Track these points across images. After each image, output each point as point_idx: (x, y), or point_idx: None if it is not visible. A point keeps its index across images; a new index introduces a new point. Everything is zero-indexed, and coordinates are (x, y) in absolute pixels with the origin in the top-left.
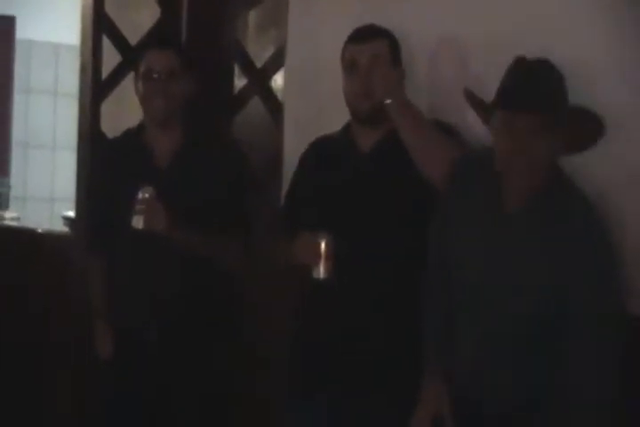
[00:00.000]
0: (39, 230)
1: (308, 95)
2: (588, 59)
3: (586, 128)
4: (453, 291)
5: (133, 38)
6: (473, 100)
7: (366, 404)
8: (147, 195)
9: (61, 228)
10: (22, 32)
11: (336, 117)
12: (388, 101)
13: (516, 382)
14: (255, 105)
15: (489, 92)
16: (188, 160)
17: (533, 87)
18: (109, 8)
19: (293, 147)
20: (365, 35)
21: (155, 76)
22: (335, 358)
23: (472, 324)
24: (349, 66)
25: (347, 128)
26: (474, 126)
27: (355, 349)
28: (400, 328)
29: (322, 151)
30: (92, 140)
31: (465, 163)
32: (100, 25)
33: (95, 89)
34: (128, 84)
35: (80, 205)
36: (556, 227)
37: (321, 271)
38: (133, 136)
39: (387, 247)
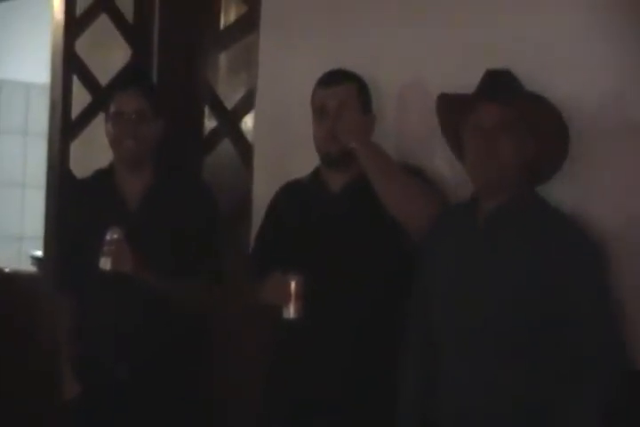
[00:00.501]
0: (6, 270)
1: (277, 138)
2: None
3: (547, 121)
4: (434, 328)
5: (104, 78)
6: (444, 109)
7: None
8: (115, 236)
9: (29, 267)
10: None
11: (306, 160)
12: (355, 145)
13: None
14: (225, 147)
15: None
16: (158, 202)
17: (494, 84)
18: (80, 48)
19: (263, 189)
20: (334, 79)
21: (124, 117)
22: (307, 395)
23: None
24: (318, 110)
25: (316, 172)
26: (442, 170)
27: (326, 386)
28: (371, 367)
29: (292, 194)
30: (60, 180)
31: (443, 215)
32: (70, 65)
33: (65, 128)
34: (98, 125)
35: (48, 244)
36: (532, 233)
37: (291, 311)
38: (103, 176)
39: (358, 287)
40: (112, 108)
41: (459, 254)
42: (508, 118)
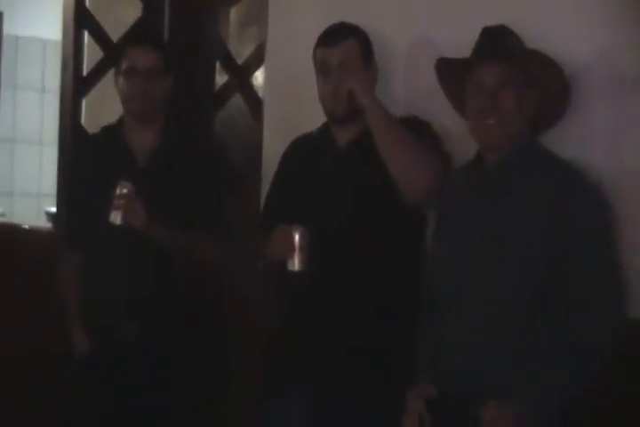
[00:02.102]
0: (25, 226)
1: (287, 93)
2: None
3: (549, 79)
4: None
5: (115, 35)
6: (442, 71)
7: (339, 405)
8: (125, 190)
9: (46, 224)
10: (9, 28)
11: (316, 115)
12: (363, 102)
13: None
14: (236, 102)
15: None
16: (168, 157)
17: (490, 41)
18: (91, 4)
19: (273, 144)
20: (334, 37)
21: (137, 73)
22: (311, 356)
23: (457, 307)
24: (321, 69)
25: (324, 127)
26: (448, 125)
27: (331, 346)
28: (375, 319)
29: (301, 149)
30: (73, 136)
31: (450, 174)
32: (81, 21)
33: (76, 84)
34: (109, 81)
35: (61, 200)
36: (537, 184)
37: (295, 263)
38: (112, 132)
39: (361, 240)
40: (124, 65)
41: (465, 210)
42: (508, 75)
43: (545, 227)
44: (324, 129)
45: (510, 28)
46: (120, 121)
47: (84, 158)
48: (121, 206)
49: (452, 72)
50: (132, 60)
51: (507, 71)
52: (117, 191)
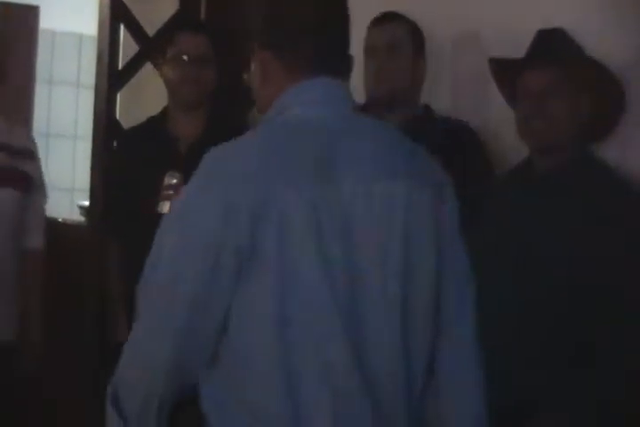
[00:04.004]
0: (59, 219)
1: None
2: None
3: (604, 86)
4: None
5: (151, 29)
6: (496, 71)
7: None
8: (174, 180)
9: (79, 217)
10: (46, 22)
11: None
12: None
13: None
14: None
15: None
16: (212, 146)
17: (544, 45)
18: None
19: None
20: (385, 17)
21: (188, 59)
22: None
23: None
24: (369, 50)
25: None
26: (495, 117)
27: None
28: None
29: None
30: (107, 130)
31: (501, 176)
32: (117, 15)
33: (111, 78)
34: (144, 75)
35: (95, 193)
36: (586, 194)
37: None
38: (156, 123)
39: None
40: (173, 51)
41: (513, 214)
42: (558, 80)
43: (591, 235)
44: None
45: (566, 32)
46: (164, 112)
47: (128, 149)
48: (170, 197)
49: (504, 71)
50: (184, 47)
51: (557, 76)
52: (166, 181)
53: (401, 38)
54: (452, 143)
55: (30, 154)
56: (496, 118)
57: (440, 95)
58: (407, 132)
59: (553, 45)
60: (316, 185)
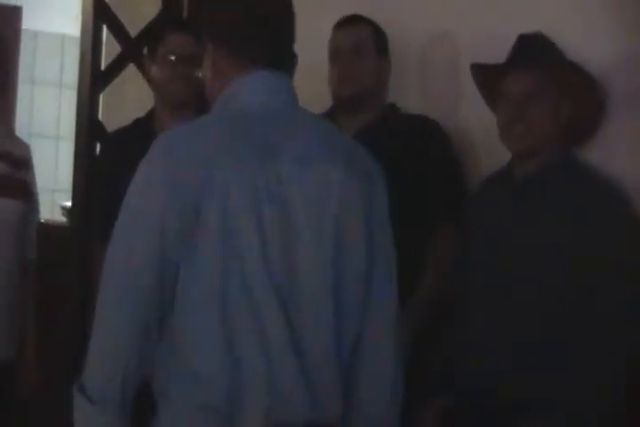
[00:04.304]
0: (41, 220)
1: (311, 87)
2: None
3: (585, 90)
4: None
5: (134, 30)
6: (477, 76)
7: None
8: None
9: (61, 218)
10: (28, 22)
11: None
12: None
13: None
14: None
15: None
16: None
17: (525, 49)
18: None
19: None
20: (347, 21)
21: (178, 59)
22: None
23: (487, 308)
24: (333, 53)
25: (329, 115)
26: (464, 122)
27: None
28: None
29: None
30: (89, 130)
31: (483, 182)
32: (100, 15)
33: (94, 79)
34: (127, 76)
35: (77, 194)
36: (569, 193)
37: None
38: (143, 124)
39: None
40: (162, 50)
41: (495, 218)
42: (538, 85)
43: (574, 237)
44: (332, 119)
45: (547, 37)
46: (150, 113)
47: (114, 151)
48: None
49: (485, 76)
50: (173, 46)
51: (538, 80)
52: None
53: (365, 40)
54: (414, 132)
55: (28, 163)
56: (466, 119)
57: (409, 95)
58: (375, 134)
59: (534, 50)
60: (258, 167)
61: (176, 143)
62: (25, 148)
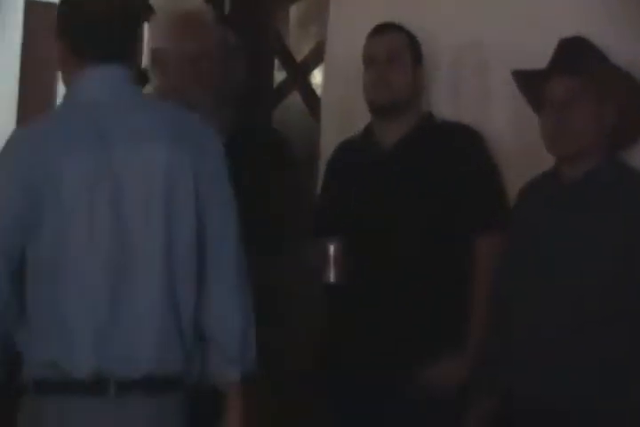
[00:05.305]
0: None
1: (345, 91)
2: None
3: (629, 94)
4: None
5: None
6: (520, 82)
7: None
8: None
9: None
10: None
11: None
12: None
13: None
14: (294, 99)
15: (512, 96)
16: (234, 152)
17: (567, 54)
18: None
19: (330, 142)
20: (383, 29)
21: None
22: (354, 366)
23: (528, 315)
24: (368, 60)
25: (368, 127)
26: (497, 129)
27: (377, 352)
28: (419, 331)
29: (345, 153)
30: None
31: (528, 186)
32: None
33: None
34: None
35: None
36: (616, 197)
37: (330, 276)
38: None
39: (410, 248)
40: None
41: (542, 223)
42: (581, 89)
43: (623, 240)
44: (368, 130)
45: (588, 40)
46: None
47: None
48: None
49: (528, 82)
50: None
51: (580, 85)
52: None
53: (400, 49)
54: (454, 141)
55: None
56: (497, 125)
57: (440, 102)
58: (414, 145)
59: (576, 54)
60: (90, 153)
61: (20, 138)
62: None
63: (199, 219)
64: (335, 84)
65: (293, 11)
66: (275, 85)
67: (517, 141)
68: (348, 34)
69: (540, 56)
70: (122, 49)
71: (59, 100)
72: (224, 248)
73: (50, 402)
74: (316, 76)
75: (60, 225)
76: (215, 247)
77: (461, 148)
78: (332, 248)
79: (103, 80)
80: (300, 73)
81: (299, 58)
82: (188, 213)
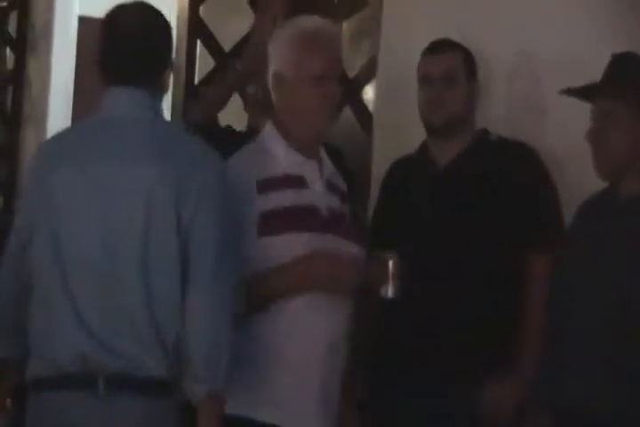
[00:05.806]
0: None
1: (398, 107)
2: None
3: None
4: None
5: (228, 45)
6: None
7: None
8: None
9: None
10: None
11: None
12: None
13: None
14: (346, 115)
15: (565, 108)
16: None
17: (615, 74)
18: (205, 14)
19: (382, 158)
20: (439, 47)
21: None
22: (409, 378)
23: (587, 338)
24: (423, 79)
25: (423, 146)
26: (552, 140)
27: (427, 366)
28: (474, 346)
29: (400, 171)
30: None
31: (584, 204)
32: (195, 30)
33: (188, 92)
34: None
35: None
36: None
37: (389, 291)
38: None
39: (463, 265)
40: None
41: (599, 242)
42: (621, 109)
43: None
44: (423, 149)
45: (634, 54)
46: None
47: None
48: None
49: (580, 97)
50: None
51: (625, 101)
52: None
53: (455, 68)
54: (509, 160)
55: None
56: (551, 142)
57: (494, 119)
58: (469, 164)
59: (627, 70)
60: (71, 168)
61: (37, 154)
62: None
63: (181, 237)
64: (387, 100)
65: (345, 26)
66: None
67: (571, 157)
68: (400, 49)
69: (594, 69)
70: (140, 73)
71: None
72: (200, 266)
73: (43, 399)
74: (368, 92)
75: (51, 234)
76: (192, 265)
77: (517, 165)
78: (391, 263)
79: (114, 104)
80: (352, 88)
81: (351, 74)
82: (169, 232)
